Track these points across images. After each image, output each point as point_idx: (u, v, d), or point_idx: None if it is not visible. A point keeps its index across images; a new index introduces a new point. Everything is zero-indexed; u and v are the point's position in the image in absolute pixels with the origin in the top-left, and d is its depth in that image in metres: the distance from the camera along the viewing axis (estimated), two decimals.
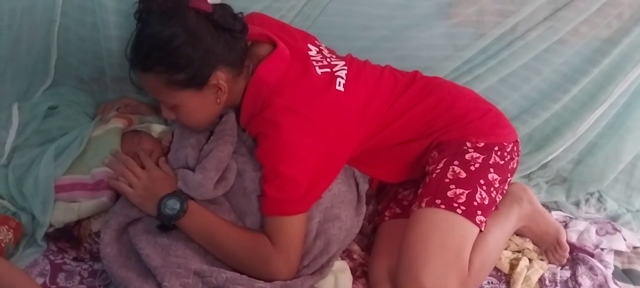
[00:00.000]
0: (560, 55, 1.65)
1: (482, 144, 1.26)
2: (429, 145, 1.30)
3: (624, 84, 1.63)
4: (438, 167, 1.23)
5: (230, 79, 1.16)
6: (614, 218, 1.69)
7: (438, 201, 1.17)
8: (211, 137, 1.24)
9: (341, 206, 1.24)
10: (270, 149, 1.14)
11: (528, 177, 1.76)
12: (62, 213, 1.14)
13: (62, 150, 1.23)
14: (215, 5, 1.14)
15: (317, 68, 1.22)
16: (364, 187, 1.37)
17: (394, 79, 1.32)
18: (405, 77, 1.34)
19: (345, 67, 1.25)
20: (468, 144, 1.26)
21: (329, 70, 1.23)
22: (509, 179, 1.30)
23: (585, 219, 1.63)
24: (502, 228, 1.33)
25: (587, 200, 1.74)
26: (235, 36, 1.15)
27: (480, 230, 1.20)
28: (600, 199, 1.75)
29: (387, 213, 1.35)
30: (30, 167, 1.21)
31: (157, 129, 1.35)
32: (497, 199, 1.25)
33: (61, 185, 1.17)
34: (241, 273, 1.12)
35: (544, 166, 1.77)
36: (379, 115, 1.27)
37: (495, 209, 1.32)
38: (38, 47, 1.31)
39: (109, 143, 1.24)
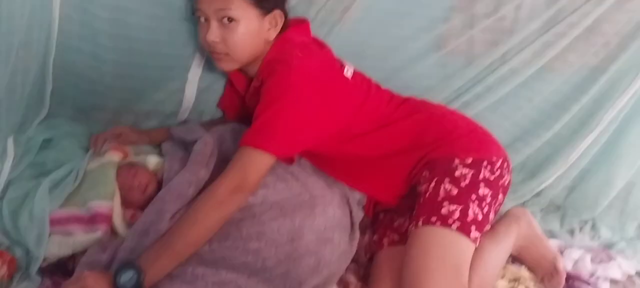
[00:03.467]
0: (550, 84, 1.69)
1: (470, 160, 1.28)
2: (419, 161, 1.33)
3: (613, 111, 1.66)
4: (430, 186, 1.26)
5: (279, 28, 1.30)
6: (608, 246, 1.69)
7: (433, 218, 1.19)
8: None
9: (335, 230, 1.25)
10: (276, 83, 1.20)
11: (522, 205, 1.77)
12: (57, 247, 1.13)
13: (57, 183, 1.22)
14: None
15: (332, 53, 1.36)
16: (359, 214, 1.38)
17: (391, 95, 1.42)
18: (401, 97, 1.43)
19: (353, 67, 1.38)
20: (456, 161, 1.28)
21: (340, 62, 1.36)
22: (501, 196, 1.31)
23: (580, 247, 1.63)
24: (500, 246, 1.34)
25: (581, 228, 1.75)
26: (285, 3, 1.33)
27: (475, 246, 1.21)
28: (594, 227, 1.76)
29: (385, 241, 1.36)
30: (24, 200, 1.20)
31: (152, 161, 1.35)
32: (490, 215, 1.26)
33: (56, 218, 1.16)
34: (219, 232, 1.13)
35: (538, 194, 1.79)
36: (372, 115, 1.34)
37: (491, 229, 1.33)
38: (33, 79, 1.31)
39: (105, 176, 1.24)
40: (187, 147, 1.38)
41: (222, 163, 1.30)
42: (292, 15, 1.42)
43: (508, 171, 1.34)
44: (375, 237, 1.40)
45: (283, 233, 1.19)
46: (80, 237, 1.15)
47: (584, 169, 1.77)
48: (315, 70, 1.24)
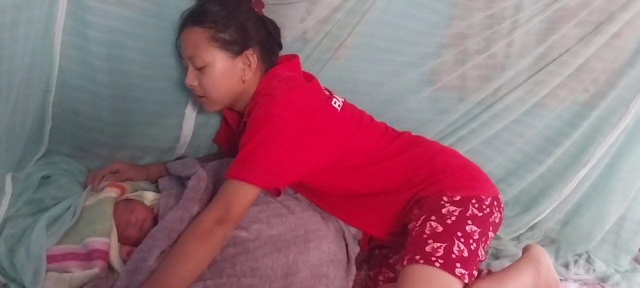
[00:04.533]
0: (541, 119, 1.71)
1: (458, 198, 1.28)
2: (410, 200, 1.33)
3: (605, 146, 1.68)
4: (417, 224, 1.26)
5: (257, 66, 1.33)
6: (603, 279, 1.69)
7: (417, 257, 1.19)
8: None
9: (330, 265, 1.25)
10: (258, 115, 1.23)
11: (517, 238, 1.78)
12: (53, 284, 1.12)
13: (55, 220, 1.22)
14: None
15: (320, 87, 1.38)
16: (355, 249, 1.38)
17: (385, 129, 1.43)
18: (395, 132, 1.44)
19: (343, 99, 1.40)
20: (444, 199, 1.28)
21: (328, 93, 1.39)
22: (490, 234, 1.30)
23: (575, 281, 1.64)
24: (518, 283, 1.30)
25: (575, 262, 1.75)
26: (272, 41, 1.37)
27: (465, 283, 1.19)
28: (588, 260, 1.77)
29: (380, 278, 1.36)
30: (21, 237, 1.20)
31: (149, 196, 1.36)
32: (480, 252, 1.25)
33: (53, 255, 1.16)
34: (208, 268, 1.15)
35: (532, 228, 1.80)
36: (364, 150, 1.35)
37: (511, 268, 1.32)
38: (32, 116, 1.32)
39: (102, 212, 1.24)
40: (183, 182, 1.40)
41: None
42: (288, 51, 1.45)
43: (498, 209, 1.34)
44: (371, 274, 1.40)
45: (277, 269, 1.19)
46: (77, 274, 1.15)
47: (577, 203, 1.78)
48: (299, 101, 1.25)
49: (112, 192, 1.31)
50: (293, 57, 1.41)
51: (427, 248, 1.19)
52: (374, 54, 1.55)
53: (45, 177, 1.38)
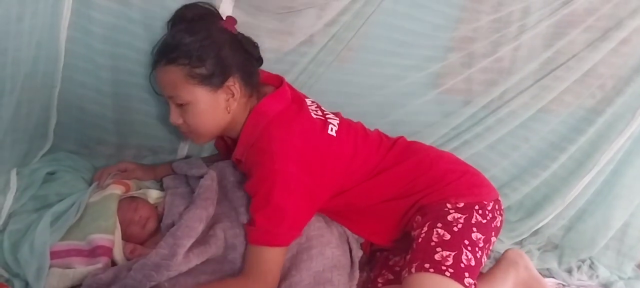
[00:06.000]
0: (546, 124, 1.70)
1: (462, 204, 1.27)
2: (411, 207, 1.33)
3: (610, 152, 1.67)
4: (423, 231, 1.24)
5: (241, 93, 1.25)
6: (606, 285, 1.69)
7: (427, 265, 1.17)
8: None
9: (334, 270, 1.25)
10: (263, 177, 1.19)
11: (520, 243, 1.78)
12: (57, 280, 1.13)
13: (59, 216, 1.23)
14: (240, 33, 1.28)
15: (312, 113, 1.30)
16: (358, 253, 1.38)
17: (380, 139, 1.40)
18: (390, 140, 1.41)
19: (337, 119, 1.35)
20: (448, 206, 1.27)
21: (322, 117, 1.32)
22: (493, 239, 1.30)
23: (578, 286, 1.64)
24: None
25: (579, 267, 1.75)
26: (251, 59, 1.28)
27: None
28: (592, 266, 1.76)
29: (380, 280, 1.35)
30: (26, 232, 1.21)
31: (153, 195, 1.36)
32: (483, 260, 1.25)
33: (56, 251, 1.17)
34: None
35: (536, 233, 1.79)
36: (363, 168, 1.32)
37: (488, 274, 1.33)
38: (38, 111, 1.33)
39: (106, 209, 1.25)
40: (188, 181, 1.40)
41: (223, 198, 1.32)
42: (294, 56, 1.44)
43: (500, 212, 1.34)
44: (371, 275, 1.40)
45: (280, 278, 1.19)
46: (81, 270, 1.15)
47: (581, 209, 1.78)
48: (297, 147, 1.20)
49: (116, 189, 1.31)
50: (277, 80, 1.35)
51: (436, 257, 1.18)
52: (378, 56, 1.55)
53: (50, 174, 1.38)
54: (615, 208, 1.73)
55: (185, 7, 1.25)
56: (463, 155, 1.69)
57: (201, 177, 1.34)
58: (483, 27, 1.57)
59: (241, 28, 1.29)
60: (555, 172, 1.73)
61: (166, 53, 1.20)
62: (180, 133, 1.33)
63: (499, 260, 1.41)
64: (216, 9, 1.29)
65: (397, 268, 1.35)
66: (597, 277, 1.73)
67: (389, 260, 1.40)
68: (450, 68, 1.62)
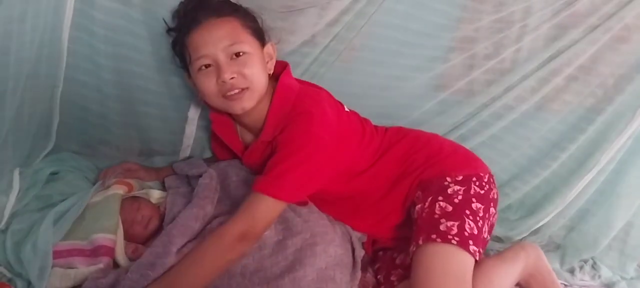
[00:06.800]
0: (546, 123, 1.70)
1: (460, 177, 1.33)
2: (412, 185, 1.36)
3: (611, 152, 1.67)
4: (425, 206, 1.29)
5: (274, 58, 1.31)
6: (609, 286, 1.68)
7: (433, 236, 1.21)
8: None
9: (336, 268, 1.25)
10: (296, 134, 1.22)
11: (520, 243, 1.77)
12: (59, 280, 1.13)
13: (62, 216, 1.23)
14: None
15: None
16: (360, 252, 1.38)
17: (374, 126, 1.46)
18: (382, 126, 1.48)
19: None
20: (448, 179, 1.32)
21: (339, 101, 1.38)
22: (492, 209, 1.34)
23: (581, 287, 1.63)
24: (507, 267, 1.34)
25: (581, 268, 1.74)
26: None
27: (476, 260, 1.22)
28: (594, 266, 1.75)
29: (394, 279, 1.36)
30: (28, 232, 1.21)
31: (155, 194, 1.37)
32: (484, 229, 1.28)
33: (58, 251, 1.16)
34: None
35: (536, 232, 1.79)
36: (369, 148, 1.38)
37: (499, 253, 1.37)
38: (40, 111, 1.34)
39: (109, 209, 1.25)
40: (190, 181, 1.40)
41: (225, 198, 1.32)
42: (296, 56, 1.45)
43: (494, 185, 1.39)
44: (381, 277, 1.41)
45: (283, 273, 1.19)
46: (83, 270, 1.15)
47: (583, 209, 1.77)
48: (332, 117, 1.26)
49: (119, 189, 1.32)
50: (281, 64, 1.36)
51: (441, 227, 1.22)
52: (380, 56, 1.55)
53: (53, 174, 1.39)
54: (618, 208, 1.72)
55: None
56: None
57: (201, 176, 1.34)
58: (485, 27, 1.57)
59: None
60: (555, 171, 1.73)
61: (216, 8, 1.23)
62: (229, 94, 1.23)
63: (512, 245, 1.43)
64: None
65: (406, 264, 1.36)
66: (600, 277, 1.72)
67: (395, 259, 1.40)
68: (452, 68, 1.62)
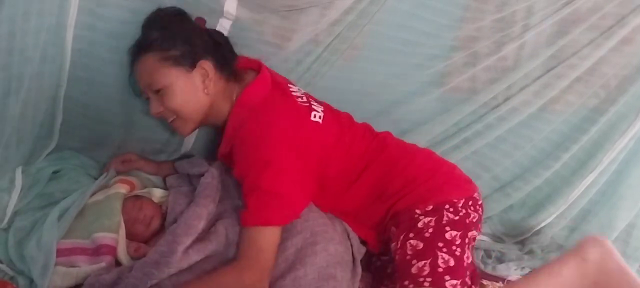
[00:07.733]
0: (549, 123, 1.70)
1: (430, 207, 1.27)
2: (386, 212, 1.33)
3: (613, 152, 1.67)
4: (398, 246, 1.25)
5: (217, 75, 1.28)
6: None
7: (406, 282, 1.19)
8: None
9: (337, 266, 1.25)
10: (252, 161, 1.20)
11: (522, 243, 1.77)
12: (60, 278, 1.13)
13: (64, 213, 1.23)
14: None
15: (296, 99, 1.31)
16: (361, 249, 1.38)
17: (364, 130, 1.41)
18: (372, 131, 1.43)
19: (322, 106, 1.35)
20: (417, 212, 1.28)
21: (306, 103, 1.32)
22: (472, 233, 1.28)
23: None
24: (552, 280, 1.26)
25: None
26: (221, 49, 1.31)
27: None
28: None
29: None
30: (31, 230, 1.21)
31: (157, 193, 1.37)
32: (465, 255, 1.23)
33: (60, 249, 1.16)
34: None
35: (538, 232, 1.79)
36: (346, 157, 1.32)
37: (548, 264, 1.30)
38: (44, 110, 1.33)
39: (111, 208, 1.25)
40: (191, 180, 1.40)
41: (226, 196, 1.32)
42: (298, 55, 1.45)
43: (474, 208, 1.32)
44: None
45: (284, 272, 1.19)
46: (85, 269, 1.15)
47: (585, 210, 1.77)
48: (285, 129, 1.22)
49: (121, 188, 1.32)
50: (256, 64, 1.35)
51: (413, 270, 1.19)
52: (382, 55, 1.55)
53: (56, 172, 1.39)
54: (620, 209, 1.72)
55: (158, 10, 1.27)
56: (465, 153, 1.72)
57: (203, 175, 1.34)
58: (486, 27, 1.57)
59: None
60: (557, 171, 1.73)
61: (141, 46, 1.26)
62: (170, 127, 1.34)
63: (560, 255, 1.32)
64: (185, 12, 1.29)
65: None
66: None
67: (387, 269, 1.39)
68: (454, 67, 1.62)
